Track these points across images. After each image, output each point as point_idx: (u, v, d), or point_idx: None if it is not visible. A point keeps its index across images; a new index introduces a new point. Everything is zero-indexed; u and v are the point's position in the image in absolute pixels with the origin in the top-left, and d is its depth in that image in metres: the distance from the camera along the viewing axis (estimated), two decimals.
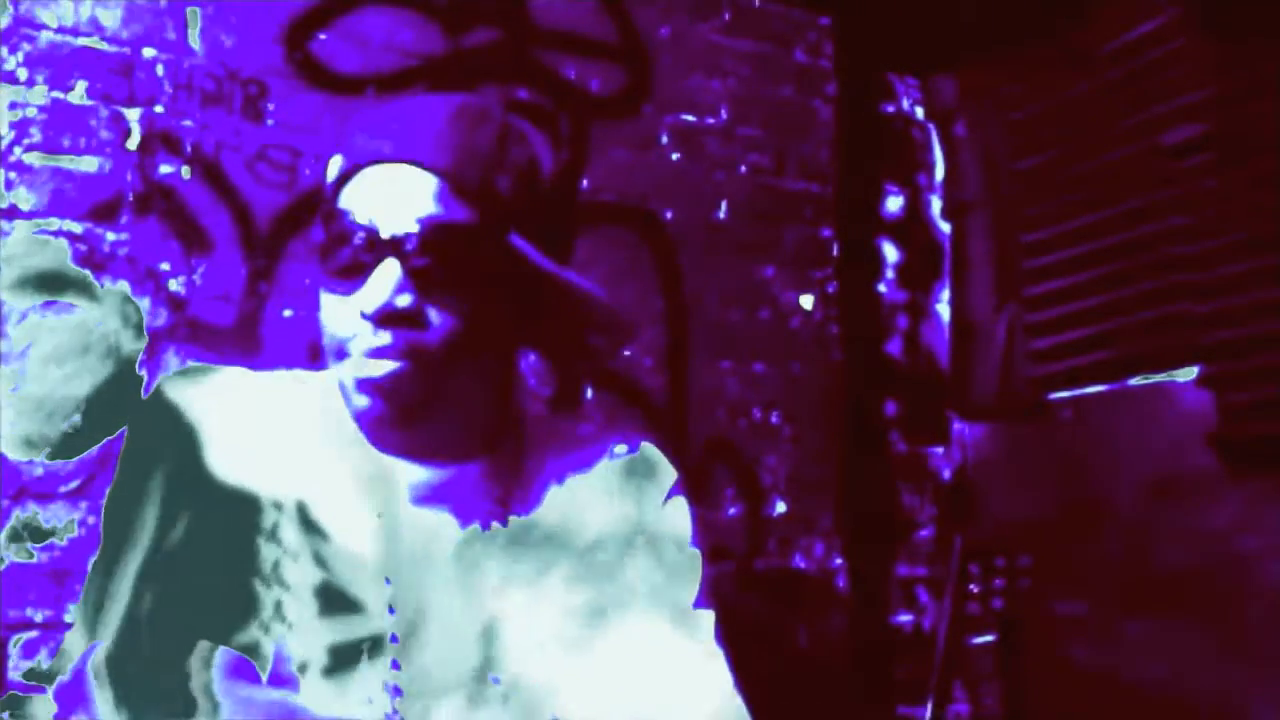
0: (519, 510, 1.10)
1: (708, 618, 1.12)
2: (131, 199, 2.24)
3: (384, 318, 0.99)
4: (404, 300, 0.99)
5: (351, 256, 1.01)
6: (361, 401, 1.02)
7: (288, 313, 2.37)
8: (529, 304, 1.09)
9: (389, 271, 0.99)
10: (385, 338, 1.00)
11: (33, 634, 2.08)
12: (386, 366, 1.00)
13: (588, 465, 1.15)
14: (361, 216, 1.00)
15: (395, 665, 1.01)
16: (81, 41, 2.22)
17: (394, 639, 1.02)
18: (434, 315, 1.01)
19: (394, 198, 1.00)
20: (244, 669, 0.99)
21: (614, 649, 1.08)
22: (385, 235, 0.99)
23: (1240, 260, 2.59)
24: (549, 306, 1.11)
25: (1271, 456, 2.54)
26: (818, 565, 2.99)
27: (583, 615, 1.08)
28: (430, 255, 1.00)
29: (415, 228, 0.99)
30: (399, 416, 1.03)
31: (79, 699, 1.05)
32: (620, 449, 1.17)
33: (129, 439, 1.10)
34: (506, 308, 1.07)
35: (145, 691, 1.03)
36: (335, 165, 1.05)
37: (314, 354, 2.38)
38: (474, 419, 1.10)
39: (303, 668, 0.99)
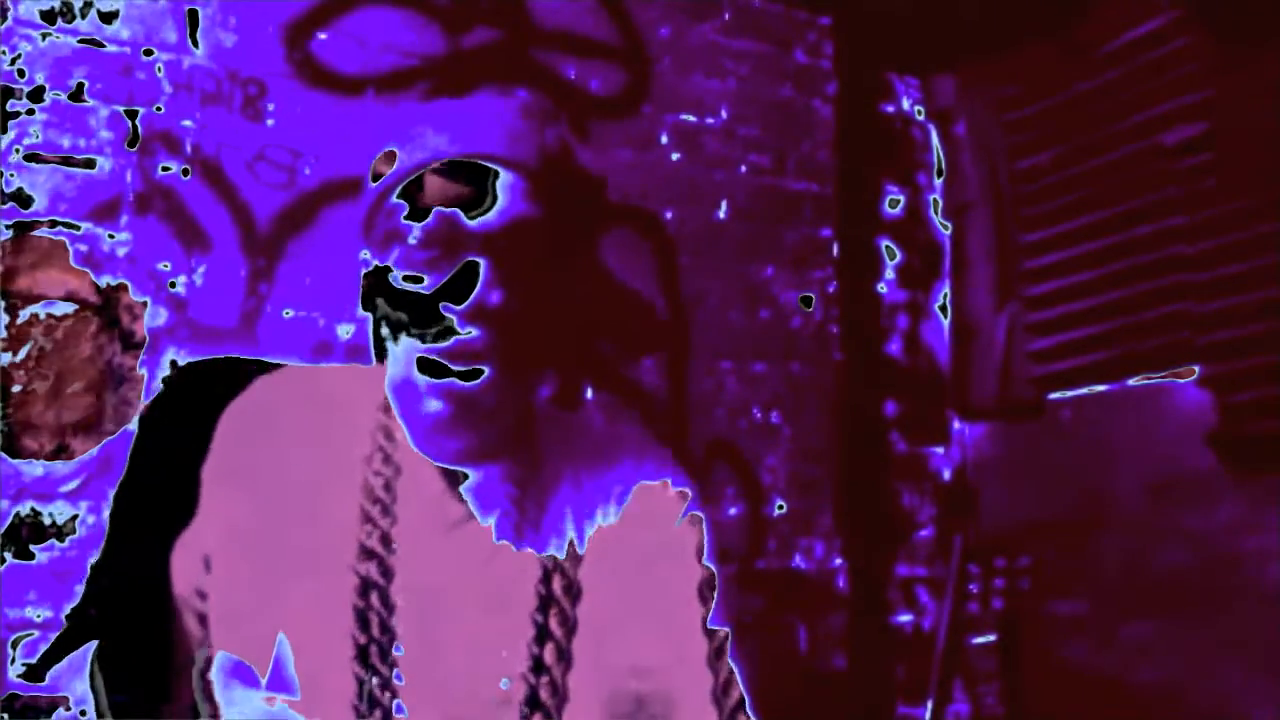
0: (533, 513, 1.08)
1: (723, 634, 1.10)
2: (131, 199, 2.24)
3: (474, 313, 0.97)
4: (495, 296, 0.98)
5: (434, 248, 0.99)
6: (434, 405, 1.00)
7: (288, 313, 2.37)
8: (577, 300, 1.08)
9: (477, 266, 0.97)
10: (472, 332, 0.98)
11: (33, 634, 2.08)
12: (474, 373, 0.98)
13: (606, 484, 1.12)
14: (444, 209, 0.98)
15: (399, 677, 1.00)
16: (81, 41, 2.22)
17: (398, 649, 1.01)
18: (518, 313, 0.99)
19: (477, 191, 0.98)
20: (242, 671, 0.99)
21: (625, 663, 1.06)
22: (470, 229, 0.98)
23: (1240, 260, 2.59)
24: (593, 302, 1.09)
25: (1271, 456, 2.54)
26: (818, 565, 2.99)
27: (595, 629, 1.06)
28: (516, 251, 0.99)
29: (500, 222, 0.98)
30: (469, 420, 1.01)
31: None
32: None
33: (144, 431, 1.09)
34: (562, 305, 1.06)
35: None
36: (392, 156, 1.03)
37: (320, 350, 2.38)
38: (504, 418, 1.07)
39: (308, 673, 0.99)
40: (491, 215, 0.98)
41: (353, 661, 0.99)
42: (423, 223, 0.99)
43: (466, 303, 0.97)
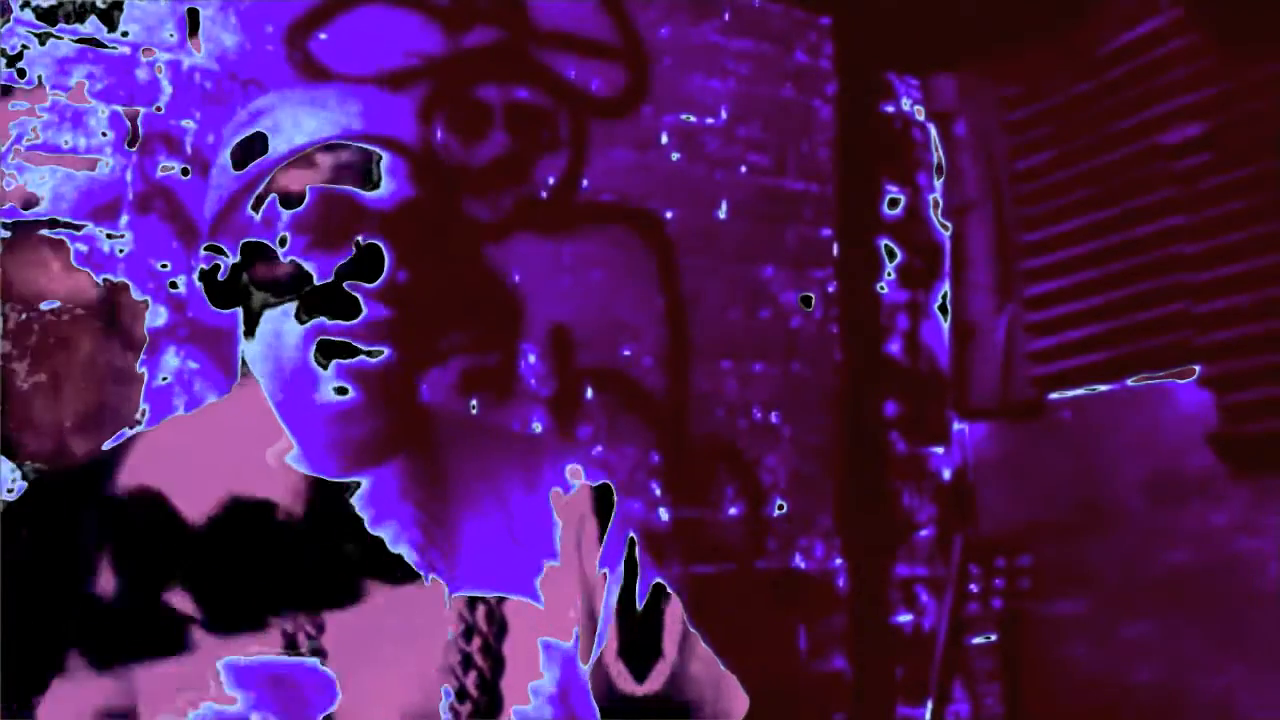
0: (439, 515, 1.02)
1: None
2: (131, 199, 2.24)
3: (383, 293, 0.94)
4: (402, 275, 0.96)
5: (332, 229, 0.95)
6: (339, 391, 0.95)
7: None
8: (462, 286, 1.09)
9: (381, 247, 0.95)
10: (380, 312, 0.95)
11: None
12: (378, 352, 0.95)
13: (534, 479, 1.09)
14: (331, 189, 0.96)
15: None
16: (81, 41, 2.22)
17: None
18: (419, 294, 0.98)
19: (376, 172, 0.96)
20: None
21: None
22: (370, 210, 0.95)
23: (1240, 260, 2.59)
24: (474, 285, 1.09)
25: (1271, 456, 2.54)
26: (818, 565, 2.99)
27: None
28: (414, 232, 0.97)
29: (395, 203, 0.96)
30: (377, 405, 0.98)
31: None
32: (575, 478, 1.11)
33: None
34: (450, 292, 1.06)
35: None
36: (263, 140, 0.99)
37: None
38: (389, 412, 1.02)
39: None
40: (383, 195, 0.96)
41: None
42: (295, 210, 0.96)
43: (379, 280, 0.94)
